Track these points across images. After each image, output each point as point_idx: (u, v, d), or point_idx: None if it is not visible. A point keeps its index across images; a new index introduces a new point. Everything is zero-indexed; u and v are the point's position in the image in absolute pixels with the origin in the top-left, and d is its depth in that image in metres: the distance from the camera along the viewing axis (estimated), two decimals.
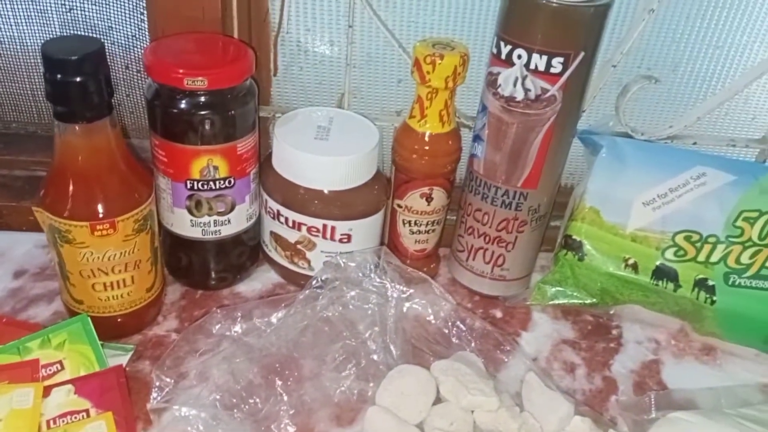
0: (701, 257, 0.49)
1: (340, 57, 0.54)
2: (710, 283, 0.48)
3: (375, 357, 0.44)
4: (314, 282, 0.45)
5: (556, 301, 0.52)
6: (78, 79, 0.37)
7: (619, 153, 0.52)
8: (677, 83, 0.57)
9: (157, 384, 0.39)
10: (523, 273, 0.54)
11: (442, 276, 0.56)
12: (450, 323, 0.48)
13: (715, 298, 0.48)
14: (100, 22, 0.55)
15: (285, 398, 0.41)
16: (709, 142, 0.58)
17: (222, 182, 0.46)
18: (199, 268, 0.50)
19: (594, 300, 0.51)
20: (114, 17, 0.54)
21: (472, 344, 0.47)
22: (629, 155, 0.52)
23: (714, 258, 0.48)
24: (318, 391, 0.43)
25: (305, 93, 0.56)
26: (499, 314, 0.53)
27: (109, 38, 0.55)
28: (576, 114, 0.47)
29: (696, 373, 0.50)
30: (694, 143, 0.57)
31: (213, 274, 0.51)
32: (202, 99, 0.43)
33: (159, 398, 0.38)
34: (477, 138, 0.48)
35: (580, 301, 0.51)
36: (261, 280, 0.53)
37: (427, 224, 0.52)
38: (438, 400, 0.42)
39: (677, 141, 0.57)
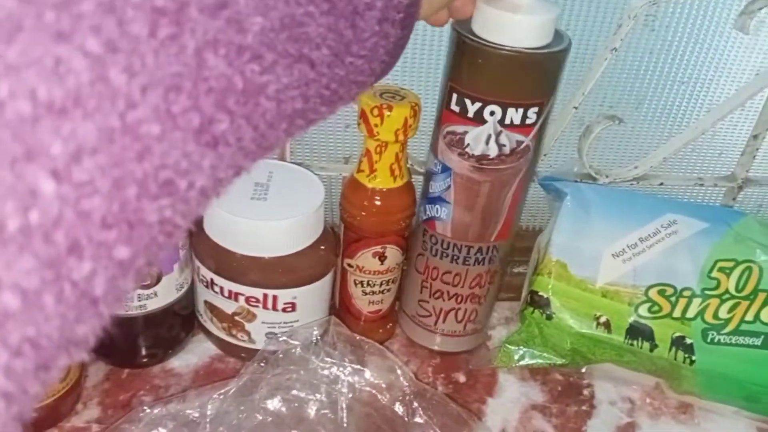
0: (677, 313, 0.45)
1: None
2: (688, 341, 0.45)
3: None
4: (251, 367, 0.39)
5: (523, 362, 0.48)
6: None
7: (584, 201, 0.49)
8: (641, 121, 0.54)
9: None
10: (488, 319, 0.50)
11: (400, 335, 0.52)
12: (407, 400, 0.43)
13: (694, 358, 0.45)
14: None
15: None
16: (676, 182, 0.55)
17: None
18: (125, 346, 0.45)
19: (564, 360, 0.47)
20: None
21: (433, 422, 0.42)
22: (595, 203, 0.49)
23: (690, 313, 0.45)
24: None
25: None
26: (462, 378, 0.49)
27: None
28: (539, 156, 0.44)
29: None
30: (661, 183, 0.54)
31: (141, 351, 0.45)
32: None
33: None
34: (438, 200, 0.44)
35: (548, 362, 0.48)
36: (196, 352, 0.47)
37: (381, 284, 0.47)
38: None
39: (643, 182, 0.54)
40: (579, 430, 0.46)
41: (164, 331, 0.45)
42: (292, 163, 0.48)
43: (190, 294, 0.46)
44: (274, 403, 0.39)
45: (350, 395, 0.41)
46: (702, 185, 0.55)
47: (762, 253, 0.46)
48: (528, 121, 0.39)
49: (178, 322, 0.46)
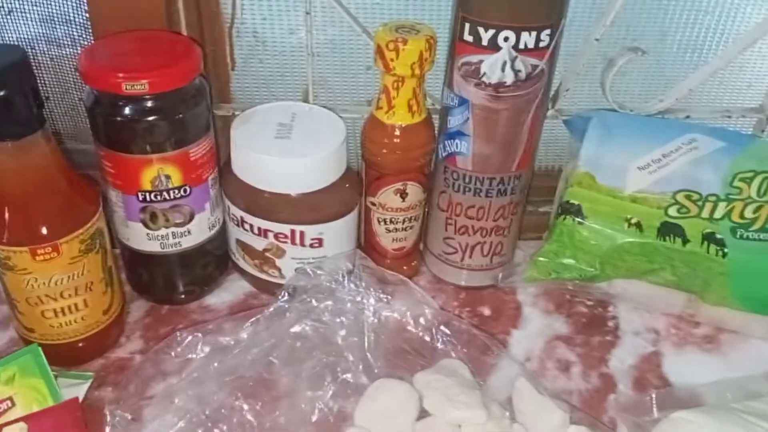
0: (705, 214, 0.46)
1: (301, 46, 0.50)
2: (719, 236, 0.45)
3: (354, 371, 0.41)
4: (280, 296, 0.41)
5: (553, 276, 0.48)
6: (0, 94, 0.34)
7: (609, 124, 0.50)
8: (666, 54, 0.53)
9: (110, 421, 0.36)
10: (513, 252, 0.51)
11: (426, 273, 0.53)
12: (433, 329, 0.44)
13: (726, 250, 0.45)
14: (41, 24, 0.51)
15: (256, 423, 0.38)
16: (703, 114, 0.54)
17: (176, 192, 0.42)
18: (163, 283, 0.47)
19: (594, 271, 0.47)
20: (57, 17, 0.50)
21: (458, 350, 0.44)
22: (618, 126, 0.50)
23: (717, 214, 0.46)
24: (293, 412, 0.40)
25: (267, 87, 0.52)
26: (487, 312, 0.50)
27: (55, 41, 0.51)
28: (553, 77, 0.44)
29: (699, 364, 0.47)
30: (687, 116, 0.53)
31: (178, 288, 0.47)
32: (146, 104, 0.39)
33: None
34: (457, 134, 0.44)
35: (579, 275, 0.48)
36: (232, 290, 0.50)
37: (404, 221, 0.48)
38: (422, 413, 0.39)
39: (669, 115, 0.53)
40: (602, 359, 0.47)
41: (199, 269, 0.47)
42: (314, 104, 0.49)
43: (223, 234, 0.48)
44: (302, 329, 0.40)
45: (376, 322, 0.42)
46: (729, 116, 0.54)
47: None
48: (542, 44, 0.40)
49: (212, 261, 0.48)
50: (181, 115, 0.40)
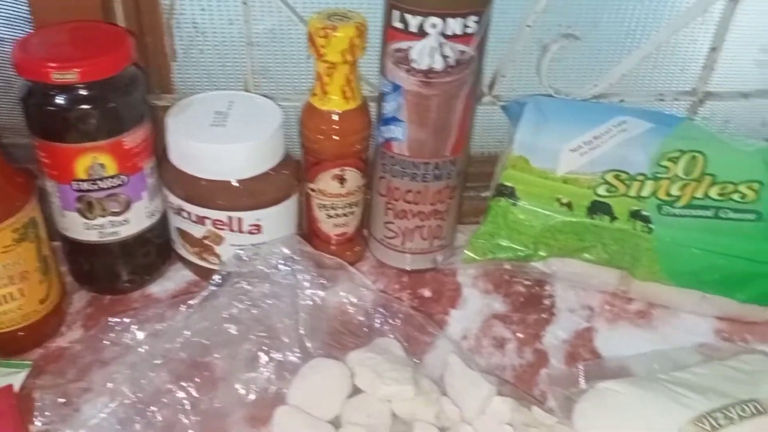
0: (632, 192, 0.48)
1: (241, 36, 0.51)
2: (645, 213, 0.47)
3: (289, 353, 0.42)
4: (213, 280, 0.42)
5: (489, 257, 0.50)
6: None
7: (544, 109, 0.51)
8: (599, 40, 0.54)
9: (40, 405, 0.36)
10: (454, 233, 0.53)
11: (370, 258, 0.54)
12: (370, 310, 0.45)
13: (651, 226, 0.47)
14: None
15: (190, 405, 0.39)
16: (637, 97, 0.56)
17: (112, 181, 0.43)
18: (104, 273, 0.47)
19: (528, 251, 0.49)
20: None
21: (394, 330, 0.45)
22: (553, 111, 0.51)
23: (645, 193, 0.48)
24: (229, 394, 0.40)
25: (209, 77, 0.53)
26: (427, 293, 0.51)
27: None
28: (482, 63, 0.45)
29: (631, 338, 0.49)
30: (621, 100, 0.55)
31: (119, 278, 0.48)
32: (77, 93, 0.39)
33: (43, 422, 0.36)
34: (392, 120, 0.45)
35: (514, 254, 0.49)
36: (174, 279, 0.50)
37: (343, 207, 0.49)
38: (355, 390, 0.40)
39: (603, 99, 0.55)
40: (537, 335, 0.48)
41: (140, 258, 0.48)
42: (255, 93, 0.50)
43: (164, 223, 0.48)
44: (236, 312, 0.41)
45: (312, 305, 0.43)
46: (663, 100, 0.56)
47: (704, 146, 0.48)
48: (468, 31, 0.41)
49: (153, 250, 0.48)
50: (113, 104, 0.41)
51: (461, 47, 0.41)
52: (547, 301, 0.51)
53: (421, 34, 0.41)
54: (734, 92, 0.56)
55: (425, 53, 0.41)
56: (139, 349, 0.39)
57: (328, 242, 0.51)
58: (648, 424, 0.39)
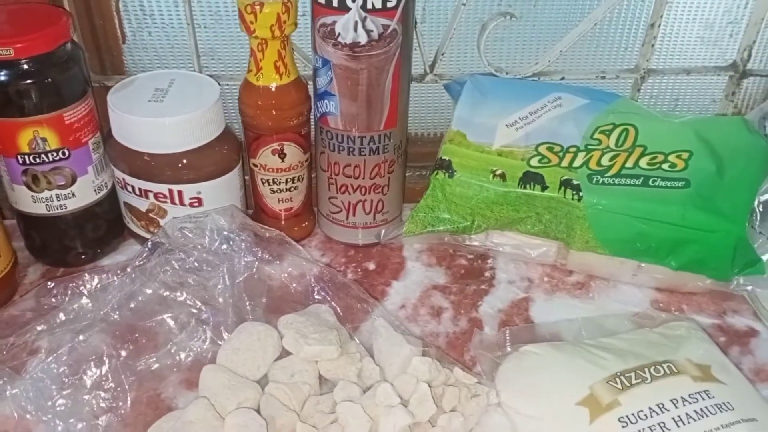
0: (564, 163, 0.49)
1: (187, 18, 0.52)
2: (575, 182, 0.48)
3: (226, 318, 0.43)
4: (148, 246, 0.44)
5: (429, 229, 0.51)
6: None
7: (482, 87, 0.53)
8: (539, 18, 0.55)
9: None
10: (399, 209, 0.54)
11: (319, 234, 0.56)
12: (309, 281, 0.47)
13: (581, 194, 0.48)
14: None
15: (127, 368, 0.40)
16: (578, 75, 0.57)
17: (55, 154, 0.45)
18: (56, 246, 0.49)
19: (466, 223, 0.50)
20: None
21: (330, 300, 0.46)
22: (491, 89, 0.53)
23: (576, 163, 0.49)
24: (165, 357, 0.42)
25: (159, 58, 0.55)
26: (372, 266, 0.53)
27: None
28: (411, 38, 0.46)
29: (566, 308, 0.50)
30: (562, 78, 0.56)
31: (71, 251, 0.50)
32: (16, 69, 0.41)
33: None
34: (326, 95, 0.47)
35: (453, 226, 0.50)
36: (127, 253, 0.52)
37: (286, 182, 0.51)
38: (284, 355, 0.42)
39: (544, 77, 0.56)
40: (474, 305, 0.50)
41: (90, 232, 0.50)
42: (202, 74, 0.51)
43: (113, 198, 0.50)
44: (174, 278, 0.43)
45: (249, 274, 0.45)
46: (605, 77, 0.57)
47: (636, 120, 0.50)
48: (389, 5, 0.42)
49: (103, 224, 0.50)
50: (51, 80, 0.42)
51: (384, 21, 0.43)
52: (487, 274, 0.52)
53: (343, 8, 0.42)
54: (677, 68, 0.57)
55: (349, 27, 0.43)
56: (75, 312, 0.41)
57: (277, 219, 0.53)
58: (562, 384, 0.40)
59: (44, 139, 0.44)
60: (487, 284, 0.51)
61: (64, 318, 0.41)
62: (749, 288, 0.48)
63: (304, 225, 0.54)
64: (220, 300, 0.44)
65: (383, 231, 0.53)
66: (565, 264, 0.52)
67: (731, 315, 0.49)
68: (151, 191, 0.47)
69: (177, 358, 0.42)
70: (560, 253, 0.51)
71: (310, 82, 0.48)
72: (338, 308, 0.46)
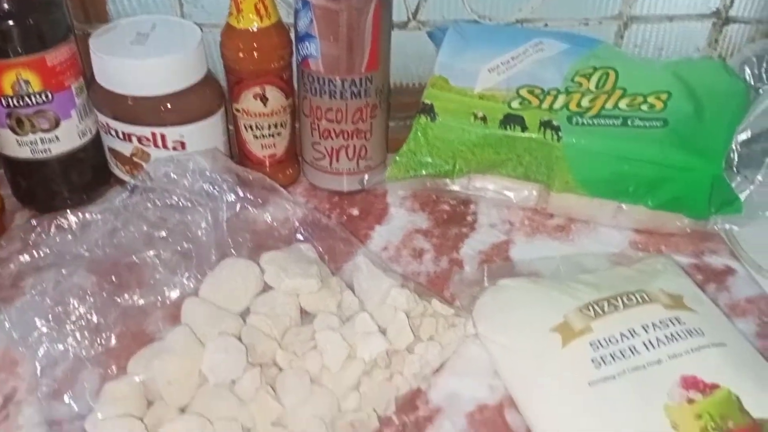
0: (545, 105, 0.50)
1: None
2: (555, 123, 0.48)
3: (209, 257, 0.44)
4: (130, 185, 0.44)
5: (412, 174, 0.51)
6: None
7: (465, 33, 0.54)
8: None
9: None
10: (382, 156, 0.54)
11: (304, 182, 0.56)
12: (292, 223, 0.47)
13: (560, 134, 0.48)
14: None
15: (111, 303, 0.41)
16: (561, 22, 0.57)
17: (38, 97, 0.45)
18: (42, 192, 0.50)
19: (448, 166, 0.51)
20: None
21: (314, 240, 0.47)
22: (474, 35, 0.54)
23: (557, 105, 0.49)
24: (150, 294, 0.43)
25: (142, 6, 0.55)
26: (356, 212, 0.53)
27: None
28: None
29: (546, 250, 0.50)
30: (545, 24, 0.57)
31: (57, 196, 0.50)
32: None
33: None
34: (306, 37, 0.47)
35: (434, 171, 0.51)
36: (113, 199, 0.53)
37: (269, 127, 0.51)
38: (266, 291, 0.43)
39: (528, 24, 0.56)
40: (455, 247, 0.50)
41: (76, 177, 0.50)
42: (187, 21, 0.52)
43: (98, 145, 0.51)
44: (158, 216, 0.43)
45: (233, 215, 0.45)
46: (587, 24, 0.57)
47: (617, 64, 0.50)
48: None
49: (88, 170, 0.51)
50: (32, 21, 0.43)
51: None
52: (469, 218, 0.53)
53: None
54: (660, 15, 0.57)
55: None
56: (59, 248, 0.42)
57: (261, 165, 0.53)
58: (537, 313, 0.40)
59: (27, 82, 0.44)
60: (468, 228, 0.52)
61: (48, 251, 0.42)
62: (727, 227, 0.49)
63: (288, 172, 0.55)
64: (203, 238, 0.45)
65: (366, 177, 0.53)
66: (545, 208, 0.53)
67: (709, 255, 0.50)
68: (134, 135, 0.47)
69: (161, 294, 0.43)
70: (541, 196, 0.52)
71: (293, 31, 0.49)
72: (321, 249, 0.47)
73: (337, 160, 0.53)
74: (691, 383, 0.36)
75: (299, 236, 0.47)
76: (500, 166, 0.50)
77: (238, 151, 0.54)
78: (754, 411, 0.35)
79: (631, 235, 0.52)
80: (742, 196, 0.48)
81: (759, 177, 0.48)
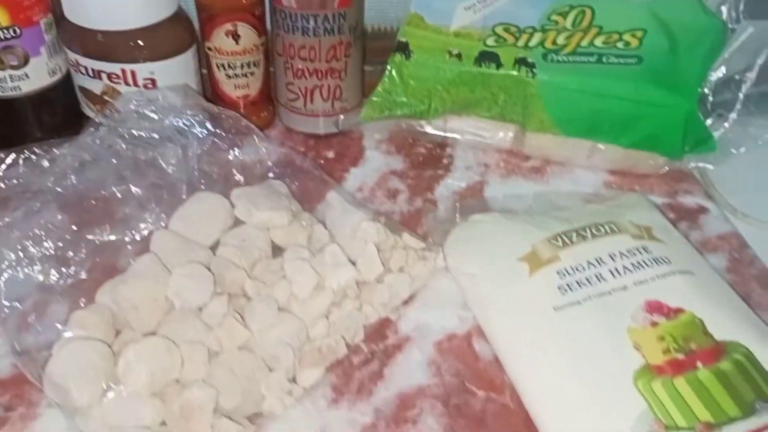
0: (520, 43, 0.49)
1: None
2: (530, 60, 0.48)
3: (180, 192, 0.44)
4: (98, 120, 0.44)
5: (387, 114, 0.51)
6: None
7: None
8: None
9: None
10: (358, 99, 0.54)
11: (279, 126, 0.56)
12: (264, 160, 0.47)
13: (535, 71, 0.48)
14: None
15: (82, 239, 0.41)
16: None
17: (6, 32, 0.44)
18: (13, 131, 0.49)
19: (423, 106, 0.50)
20: None
21: (286, 179, 0.47)
22: None
23: (532, 43, 0.49)
24: (121, 228, 0.43)
25: None
26: (331, 155, 0.53)
27: None
28: None
29: (521, 190, 0.50)
30: None
31: (29, 137, 0.50)
32: None
33: None
34: None
35: (409, 111, 0.50)
36: None
37: (242, 66, 0.51)
38: (237, 225, 0.43)
39: None
40: (430, 187, 0.50)
41: (47, 117, 0.50)
42: None
43: (69, 85, 0.50)
44: (127, 151, 0.43)
45: (201, 150, 0.45)
46: None
47: (594, 2, 0.50)
48: None
49: (59, 110, 0.50)
50: None
51: None
52: (445, 161, 0.53)
53: None
54: None
55: None
56: (25, 183, 0.42)
57: (234, 107, 0.53)
58: (505, 245, 0.41)
59: None
60: (443, 170, 0.52)
61: (16, 183, 0.42)
62: (700, 165, 0.49)
63: (263, 114, 0.54)
64: (174, 174, 0.44)
65: (341, 117, 0.53)
66: (521, 149, 0.53)
67: (683, 195, 0.50)
68: (104, 72, 0.47)
69: (131, 229, 0.43)
70: (517, 138, 0.52)
71: None
72: (295, 188, 0.47)
73: (312, 101, 0.52)
74: (655, 307, 0.36)
75: (271, 175, 0.47)
76: (475, 105, 0.50)
77: (211, 93, 0.53)
78: (717, 334, 0.35)
79: (605, 177, 0.52)
80: (716, 135, 0.48)
81: (733, 115, 0.48)
